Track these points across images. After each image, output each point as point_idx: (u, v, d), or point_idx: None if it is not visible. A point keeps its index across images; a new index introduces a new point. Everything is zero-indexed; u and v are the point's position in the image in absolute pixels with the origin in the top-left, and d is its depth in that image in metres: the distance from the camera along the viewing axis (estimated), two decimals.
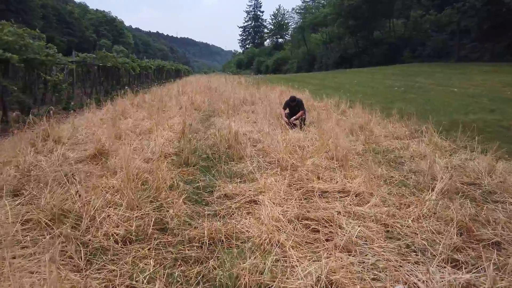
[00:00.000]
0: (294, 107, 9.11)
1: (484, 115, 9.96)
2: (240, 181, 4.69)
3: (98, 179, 4.38)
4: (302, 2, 76.30)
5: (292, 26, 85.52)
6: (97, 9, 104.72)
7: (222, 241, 3.07)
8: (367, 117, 9.05)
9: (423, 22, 44.32)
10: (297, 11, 77.26)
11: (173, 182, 4.50)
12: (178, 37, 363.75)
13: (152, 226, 3.22)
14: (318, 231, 3.22)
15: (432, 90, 17.65)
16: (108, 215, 3.32)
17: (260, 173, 4.95)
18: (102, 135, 6.79)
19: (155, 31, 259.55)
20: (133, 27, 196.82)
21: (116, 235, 3.02)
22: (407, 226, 3.29)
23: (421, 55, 40.53)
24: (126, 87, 15.82)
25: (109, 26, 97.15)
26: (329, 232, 3.18)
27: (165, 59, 75.91)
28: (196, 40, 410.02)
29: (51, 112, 7.98)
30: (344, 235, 3.06)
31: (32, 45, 8.72)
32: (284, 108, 9.31)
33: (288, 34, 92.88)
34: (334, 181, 4.54)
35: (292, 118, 8.83)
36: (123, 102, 12.93)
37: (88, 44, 78.82)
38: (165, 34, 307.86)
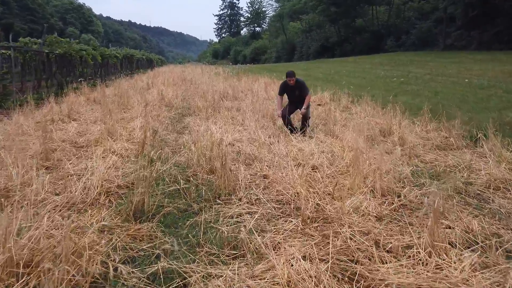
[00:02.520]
0: (293, 90, 6.78)
1: None
2: (237, 257, 2.54)
3: None
4: None
5: (270, 14, 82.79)
6: None
7: None
8: (388, 117, 7.02)
9: (406, 9, 42.93)
10: None
11: (108, 264, 2.31)
12: (152, 26, 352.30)
13: None
14: None
15: (432, 80, 15.91)
16: None
17: (270, 233, 2.82)
18: (18, 153, 4.44)
19: (127, 20, 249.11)
20: (104, 15, 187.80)
21: None
22: None
23: (405, 43, 39.03)
24: (81, 79, 13.17)
25: (76, 13, 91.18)
26: None
27: (138, 48, 71.71)
28: (170, 30, 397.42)
29: None
30: None
31: None
32: (281, 94, 7.03)
33: (265, 23, 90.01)
34: (414, 255, 2.45)
35: (303, 109, 6.53)
36: (76, 98, 10.45)
37: (54, 32, 73.59)
38: (138, 24, 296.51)
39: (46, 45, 12.44)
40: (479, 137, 5.22)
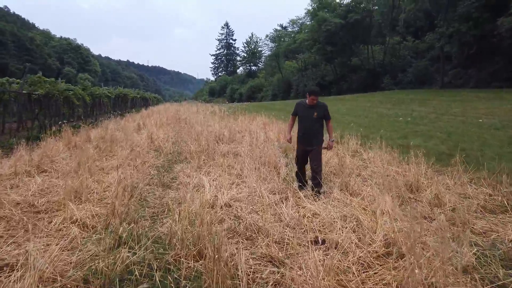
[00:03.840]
0: (311, 109, 5.32)
1: None
2: None
3: None
4: (274, 31, 74.89)
5: (266, 53, 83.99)
6: (61, 36, 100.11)
7: None
8: (411, 166, 5.97)
9: (401, 48, 43.35)
10: (271, 38, 75.84)
11: None
12: (149, 65, 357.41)
13: None
14: None
15: (439, 120, 15.08)
16: None
17: None
18: None
19: (125, 60, 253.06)
20: (103, 55, 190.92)
21: None
22: None
23: (402, 81, 38.98)
24: (61, 122, 12.16)
25: (74, 53, 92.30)
26: None
27: (135, 87, 71.73)
28: (168, 69, 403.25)
29: None
30: None
31: None
32: (294, 114, 5.66)
33: (261, 62, 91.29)
34: None
35: (330, 141, 5.55)
36: (55, 143, 9.37)
37: (51, 72, 73.73)
38: (136, 63, 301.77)
39: (28, 85, 11.54)
40: None
